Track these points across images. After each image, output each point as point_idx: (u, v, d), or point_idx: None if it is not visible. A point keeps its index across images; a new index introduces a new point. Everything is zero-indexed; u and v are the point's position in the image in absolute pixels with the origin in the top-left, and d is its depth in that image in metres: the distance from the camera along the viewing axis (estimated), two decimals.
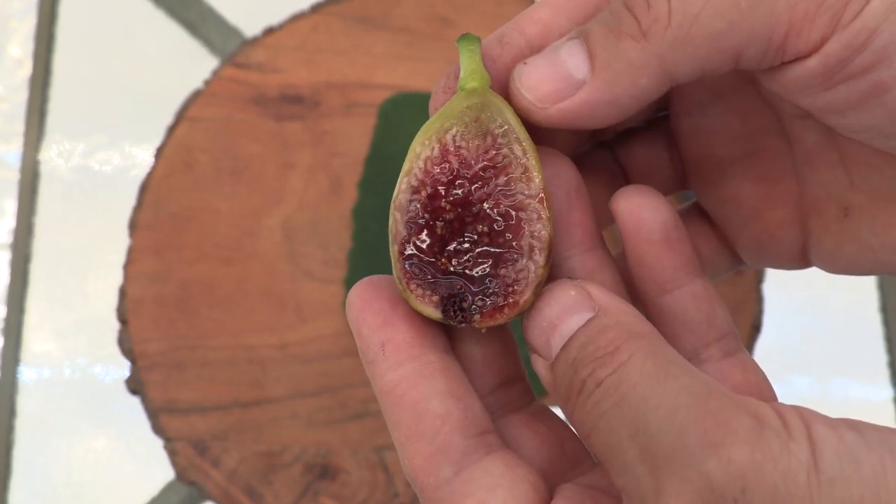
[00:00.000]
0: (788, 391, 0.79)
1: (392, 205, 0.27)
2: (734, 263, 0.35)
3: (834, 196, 0.30)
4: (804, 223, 0.32)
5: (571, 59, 0.27)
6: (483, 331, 0.27)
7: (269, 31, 0.83)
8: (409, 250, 0.27)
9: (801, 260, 0.33)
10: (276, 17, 0.83)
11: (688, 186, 0.35)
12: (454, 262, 0.26)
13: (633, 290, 0.30)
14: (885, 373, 0.79)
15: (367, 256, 0.77)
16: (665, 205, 0.28)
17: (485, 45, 0.29)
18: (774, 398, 0.28)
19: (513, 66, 0.29)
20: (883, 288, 0.81)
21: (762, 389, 0.28)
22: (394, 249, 0.27)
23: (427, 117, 0.29)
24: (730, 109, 0.32)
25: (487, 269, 0.26)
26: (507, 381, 0.29)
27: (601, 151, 0.35)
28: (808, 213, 0.31)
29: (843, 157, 0.30)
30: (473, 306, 0.26)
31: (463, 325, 0.26)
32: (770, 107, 0.31)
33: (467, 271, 0.26)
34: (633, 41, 0.25)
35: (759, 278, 0.77)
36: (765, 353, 0.76)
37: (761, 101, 0.31)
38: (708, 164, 0.33)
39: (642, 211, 0.28)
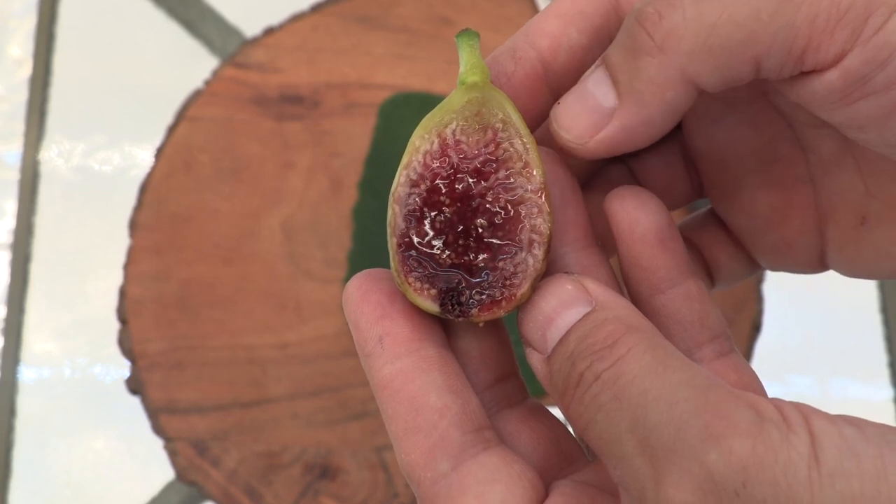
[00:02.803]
0: (788, 391, 0.79)
1: (391, 198, 0.27)
2: (752, 269, 0.35)
3: (850, 204, 0.30)
4: (821, 230, 0.32)
5: (598, 89, 0.27)
6: (480, 325, 0.27)
7: (269, 31, 0.83)
8: (408, 243, 0.27)
9: (819, 265, 0.33)
10: (276, 17, 0.83)
11: (704, 195, 0.35)
12: (453, 255, 0.26)
13: (626, 290, 0.30)
14: (885, 373, 0.79)
15: (367, 257, 0.77)
16: (659, 205, 0.28)
17: (497, 59, 0.30)
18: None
19: (527, 81, 0.29)
20: (883, 288, 0.81)
21: (755, 390, 0.28)
22: (392, 242, 0.27)
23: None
24: (742, 120, 0.32)
25: (486, 262, 0.26)
26: (502, 377, 0.29)
27: (617, 165, 0.35)
28: (824, 220, 0.31)
29: (858, 164, 0.30)
30: (471, 300, 0.26)
31: (461, 319, 0.26)
32: (783, 116, 0.31)
33: (465, 264, 0.26)
34: (651, 57, 0.25)
35: (759, 278, 0.77)
36: (765, 353, 0.76)
37: (774, 111, 0.31)
38: (723, 174, 0.33)
39: (636, 212, 0.28)
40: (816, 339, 0.81)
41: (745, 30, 0.24)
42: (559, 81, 0.30)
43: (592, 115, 0.27)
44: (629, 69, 0.26)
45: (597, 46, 0.30)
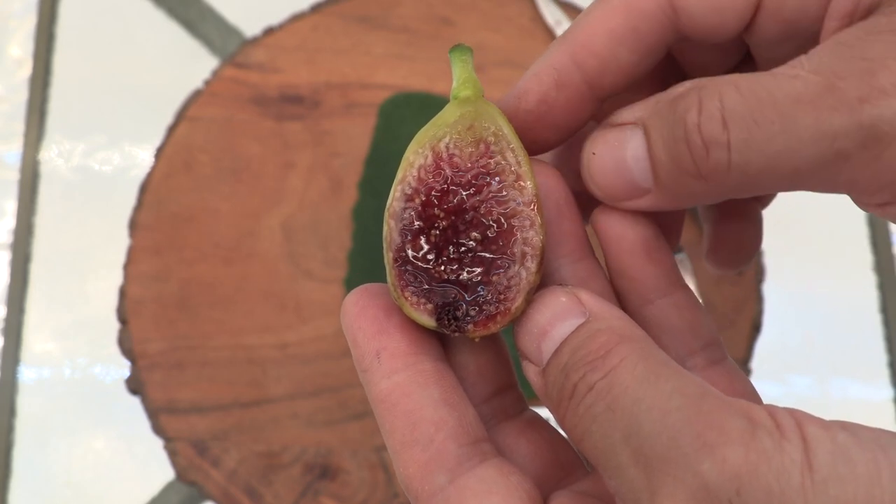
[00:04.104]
0: (788, 391, 0.79)
1: (386, 212, 0.27)
2: None
3: None
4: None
5: (636, 165, 0.27)
6: (476, 340, 0.27)
7: (269, 31, 0.83)
8: (404, 258, 0.27)
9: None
10: (276, 17, 0.83)
11: None
12: (448, 269, 0.26)
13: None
14: (885, 373, 0.79)
15: (367, 257, 0.77)
16: (644, 219, 0.29)
17: (539, 79, 0.29)
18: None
19: (568, 105, 0.29)
20: (883, 288, 0.81)
21: (748, 397, 0.28)
22: (388, 257, 0.27)
23: (426, 117, 0.29)
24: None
25: (480, 277, 0.26)
26: (500, 390, 0.29)
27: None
28: None
29: None
30: (467, 316, 0.26)
31: (456, 334, 0.26)
32: None
33: (461, 279, 0.26)
34: (694, 180, 0.26)
35: (759, 278, 0.77)
36: (765, 353, 0.76)
37: None
38: None
39: (622, 225, 0.28)
40: (816, 339, 0.81)
41: (787, 178, 0.24)
42: (605, 94, 0.29)
43: (627, 186, 0.27)
44: (671, 175, 0.26)
45: (648, 61, 0.29)
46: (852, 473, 0.19)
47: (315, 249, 0.77)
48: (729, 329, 0.76)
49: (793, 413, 0.21)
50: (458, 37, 0.82)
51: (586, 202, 0.33)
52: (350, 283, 0.76)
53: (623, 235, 0.28)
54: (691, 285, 0.74)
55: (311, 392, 0.74)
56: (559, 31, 0.82)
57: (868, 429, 0.21)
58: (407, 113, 0.80)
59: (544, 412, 0.32)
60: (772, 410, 0.21)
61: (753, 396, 0.29)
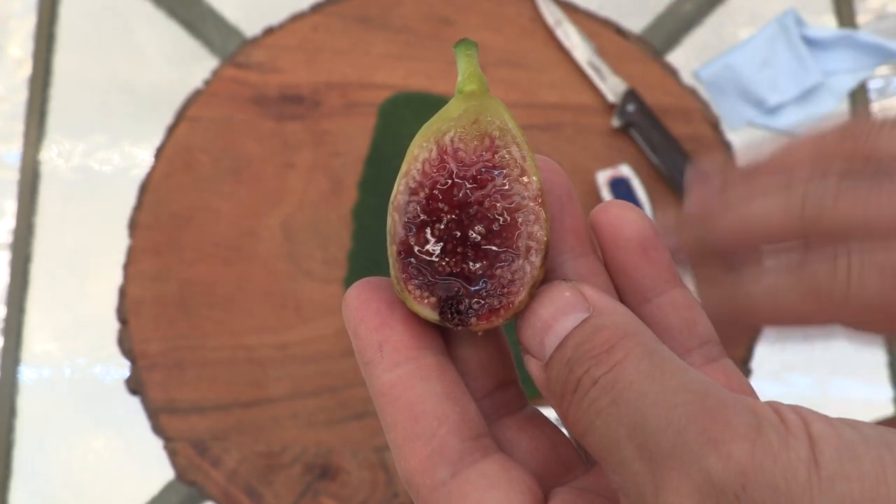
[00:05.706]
0: (788, 391, 0.79)
1: (390, 206, 0.27)
2: None
3: None
4: None
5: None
6: (479, 334, 0.27)
7: (269, 31, 0.83)
8: (407, 251, 0.27)
9: None
10: (276, 17, 0.83)
11: None
12: (452, 262, 0.26)
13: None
14: (885, 373, 0.79)
15: (367, 256, 0.77)
16: (642, 217, 0.29)
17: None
18: None
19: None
20: None
21: (746, 395, 0.28)
22: (392, 250, 0.27)
23: (426, 117, 0.29)
24: None
25: (484, 270, 0.26)
26: (501, 385, 0.29)
27: None
28: None
29: None
30: (469, 309, 0.26)
31: (460, 327, 0.26)
32: None
33: (464, 272, 0.26)
34: None
35: None
36: (765, 353, 0.76)
37: None
38: None
39: (620, 222, 0.28)
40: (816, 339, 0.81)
41: None
42: None
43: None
44: None
45: None
46: (858, 471, 0.19)
47: (315, 249, 0.77)
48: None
49: (798, 410, 0.21)
50: (458, 37, 0.82)
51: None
52: (350, 284, 0.76)
53: (620, 232, 0.28)
54: (691, 285, 0.74)
55: (311, 392, 0.74)
56: (559, 32, 0.82)
57: (873, 426, 0.21)
58: (407, 113, 0.80)
59: (545, 409, 0.32)
60: (777, 407, 0.21)
61: (751, 394, 0.29)
